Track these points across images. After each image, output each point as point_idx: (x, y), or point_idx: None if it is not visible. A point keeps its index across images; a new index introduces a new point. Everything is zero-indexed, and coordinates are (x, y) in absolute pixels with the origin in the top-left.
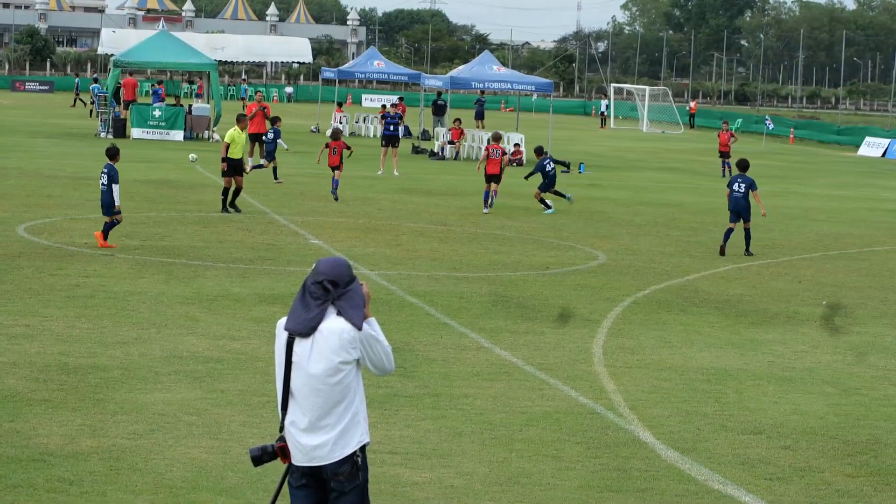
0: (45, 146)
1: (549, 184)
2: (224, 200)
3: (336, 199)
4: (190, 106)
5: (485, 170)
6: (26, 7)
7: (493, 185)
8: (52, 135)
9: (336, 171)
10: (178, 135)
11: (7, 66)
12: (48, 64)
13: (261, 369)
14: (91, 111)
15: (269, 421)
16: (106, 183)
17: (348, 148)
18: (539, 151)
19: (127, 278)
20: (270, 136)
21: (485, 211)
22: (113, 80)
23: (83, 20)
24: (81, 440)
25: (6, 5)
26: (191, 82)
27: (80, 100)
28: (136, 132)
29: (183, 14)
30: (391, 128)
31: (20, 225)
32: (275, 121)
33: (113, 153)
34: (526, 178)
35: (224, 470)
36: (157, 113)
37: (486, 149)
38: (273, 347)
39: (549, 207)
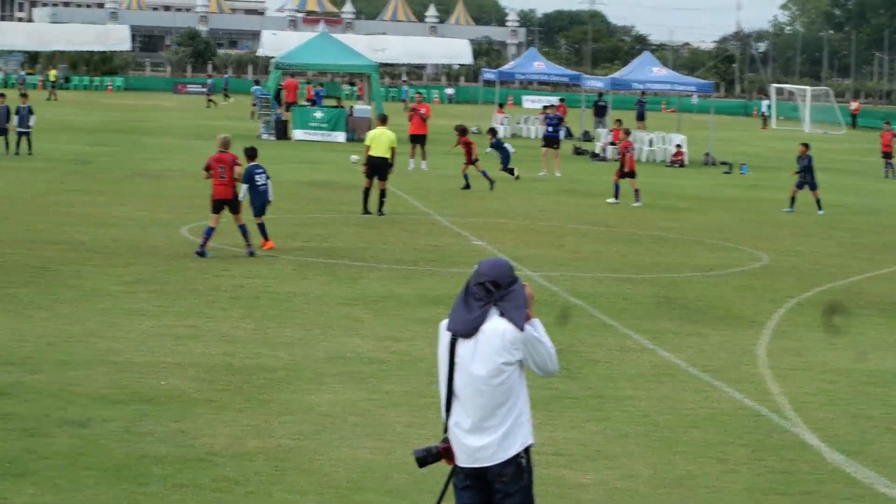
0: (206, 148)
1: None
2: (365, 201)
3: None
4: (351, 107)
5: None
6: (187, 10)
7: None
8: (213, 137)
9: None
10: (339, 136)
11: (169, 69)
12: (209, 66)
13: (425, 370)
14: (252, 113)
15: (433, 422)
16: (264, 182)
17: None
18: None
19: (291, 279)
20: None
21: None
22: (274, 82)
23: (243, 22)
24: (247, 440)
25: (167, 8)
26: (351, 84)
27: (212, 101)
28: (297, 134)
29: (343, 16)
30: (551, 129)
31: (183, 226)
32: None
33: (254, 153)
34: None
35: (389, 471)
36: (318, 114)
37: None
38: (436, 349)
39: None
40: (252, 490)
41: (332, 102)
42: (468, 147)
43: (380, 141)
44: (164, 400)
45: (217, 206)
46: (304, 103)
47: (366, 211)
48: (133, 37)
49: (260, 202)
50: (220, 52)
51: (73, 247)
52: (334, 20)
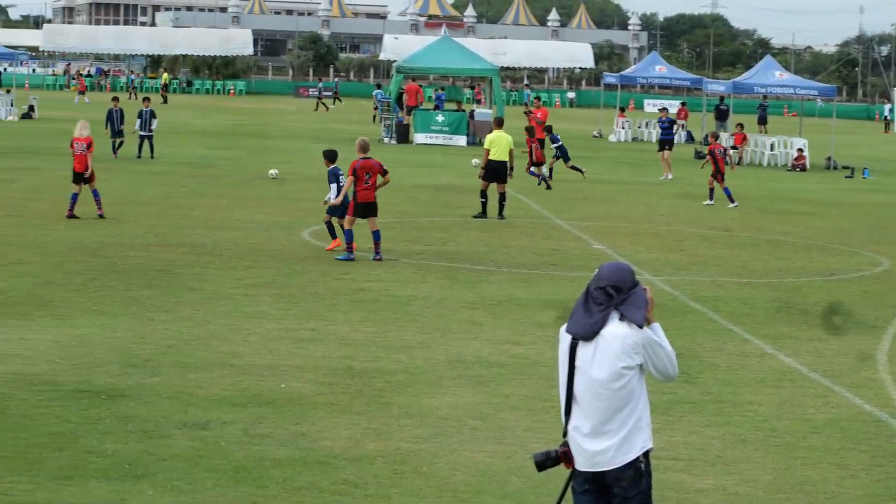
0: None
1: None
2: (483, 204)
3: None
4: (472, 111)
5: None
6: (309, 14)
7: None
8: (334, 140)
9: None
10: (461, 140)
11: (291, 73)
12: (331, 70)
13: (544, 374)
14: (374, 117)
15: (552, 426)
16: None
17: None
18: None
19: (411, 283)
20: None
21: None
22: (396, 86)
23: (365, 26)
24: (366, 443)
25: (289, 12)
26: (472, 88)
27: (323, 104)
28: (419, 137)
29: (465, 20)
30: (664, 132)
31: (305, 230)
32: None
33: (335, 156)
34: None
35: (508, 474)
36: (439, 118)
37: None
38: (556, 352)
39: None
40: (371, 493)
41: (453, 106)
42: (532, 147)
43: (499, 144)
44: (284, 403)
45: (358, 211)
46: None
47: (483, 214)
48: (255, 41)
49: (345, 204)
50: (342, 55)
51: (194, 250)
52: (456, 24)
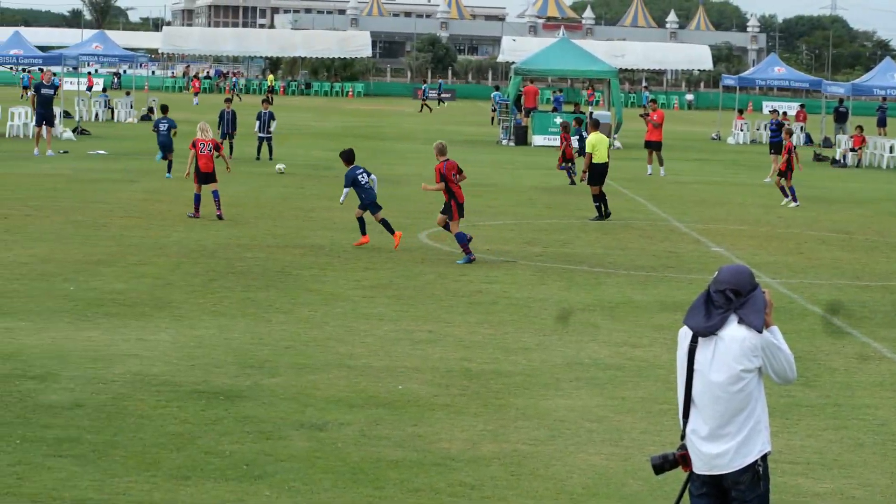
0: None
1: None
2: (598, 208)
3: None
4: (591, 113)
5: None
6: (427, 16)
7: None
8: (453, 141)
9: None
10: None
11: (409, 75)
12: (449, 72)
13: (662, 377)
14: (492, 119)
15: (669, 429)
16: (366, 181)
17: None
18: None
19: (529, 285)
20: None
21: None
22: (514, 87)
23: (483, 28)
24: (483, 445)
25: (408, 14)
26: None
27: (427, 106)
28: (537, 139)
29: (583, 21)
30: (773, 134)
31: (422, 232)
32: None
33: (352, 157)
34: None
35: (625, 477)
36: (558, 120)
37: None
38: (674, 355)
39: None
40: (487, 495)
41: (571, 108)
42: (566, 144)
43: (601, 146)
44: (401, 404)
45: (462, 211)
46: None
47: (606, 214)
48: (374, 43)
49: (370, 199)
50: (460, 57)
51: (312, 251)
52: (574, 26)
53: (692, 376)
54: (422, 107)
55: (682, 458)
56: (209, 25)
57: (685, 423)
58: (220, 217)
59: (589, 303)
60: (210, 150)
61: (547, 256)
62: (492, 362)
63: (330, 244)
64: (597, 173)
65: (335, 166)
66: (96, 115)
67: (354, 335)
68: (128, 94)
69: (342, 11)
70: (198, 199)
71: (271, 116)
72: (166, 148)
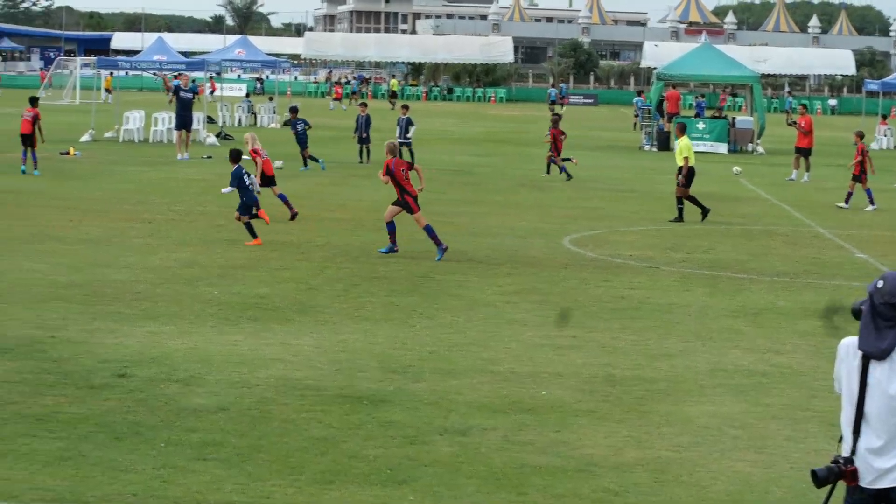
0: (588, 158)
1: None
2: (703, 211)
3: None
4: (733, 119)
5: None
6: (569, 21)
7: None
8: (595, 147)
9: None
10: (721, 147)
11: (551, 80)
12: (591, 77)
13: (805, 384)
14: (634, 124)
15: (813, 435)
16: (251, 182)
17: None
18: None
19: (672, 290)
20: None
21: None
22: (656, 93)
23: (625, 33)
24: (627, 451)
25: (549, 20)
26: (734, 95)
27: (555, 111)
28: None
29: (725, 26)
30: None
31: (565, 237)
32: None
33: (238, 157)
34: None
35: (768, 484)
36: (700, 125)
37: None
38: (818, 362)
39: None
40: (631, 501)
41: (713, 113)
42: (555, 138)
43: (691, 151)
44: (545, 410)
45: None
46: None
47: (705, 211)
48: (515, 48)
49: (251, 201)
50: (602, 63)
51: (455, 256)
52: (716, 31)
53: (865, 392)
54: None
55: (851, 474)
56: (351, 31)
57: (855, 439)
58: (294, 215)
59: (732, 309)
60: (265, 157)
61: (690, 262)
62: (635, 368)
63: (473, 249)
64: (691, 176)
65: (477, 171)
66: (239, 120)
67: (497, 340)
68: (270, 99)
69: (484, 17)
70: (282, 198)
71: (409, 122)
72: (303, 145)
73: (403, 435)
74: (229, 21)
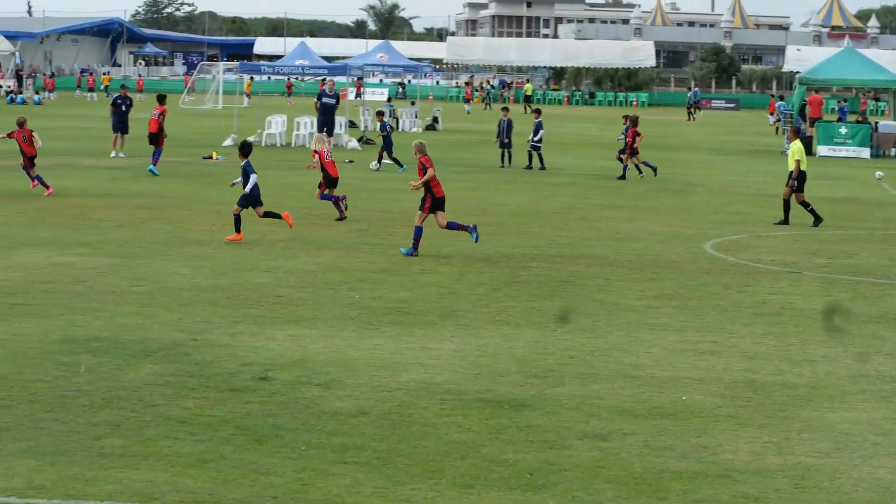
0: (729, 163)
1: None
2: (813, 210)
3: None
4: (876, 123)
5: None
6: (711, 25)
7: None
8: (736, 152)
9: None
10: (864, 152)
11: (693, 84)
12: (733, 81)
13: None
14: (777, 128)
15: None
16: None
17: None
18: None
19: (814, 296)
20: None
21: None
22: (798, 97)
23: (768, 38)
24: (767, 457)
25: (691, 24)
26: (876, 99)
27: (693, 115)
28: (822, 150)
29: (867, 30)
30: None
31: (706, 242)
32: None
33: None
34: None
35: None
36: (843, 130)
37: None
38: None
39: None
40: None
41: (856, 118)
42: (634, 138)
43: (804, 153)
44: (685, 415)
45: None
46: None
47: (817, 218)
48: (657, 52)
49: (255, 194)
50: (744, 67)
51: (595, 261)
52: (859, 35)
53: None
54: (689, 115)
55: None
56: (493, 35)
57: None
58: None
59: (874, 315)
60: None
61: (832, 267)
62: (776, 374)
63: (614, 254)
64: (803, 180)
65: (617, 174)
66: None
67: (638, 345)
68: (412, 103)
69: (626, 21)
70: (328, 197)
71: (539, 126)
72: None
73: (543, 439)
74: (371, 26)
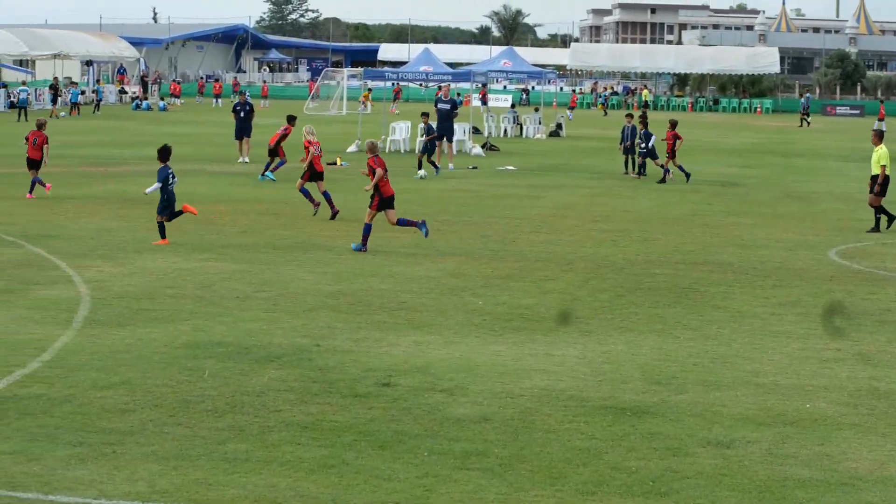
0: (855, 170)
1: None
2: (890, 218)
3: None
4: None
5: None
6: (836, 32)
7: None
8: (860, 159)
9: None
10: None
11: (818, 91)
12: (858, 88)
13: None
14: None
15: None
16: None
17: None
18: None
19: None
20: None
21: None
22: None
23: (893, 44)
24: (891, 465)
25: (816, 30)
26: None
27: (806, 120)
28: None
29: None
30: None
31: (831, 249)
32: None
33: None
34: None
35: None
36: None
37: None
38: None
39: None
40: None
41: None
42: (675, 141)
43: (880, 160)
44: (809, 423)
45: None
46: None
47: (882, 224)
48: (782, 59)
49: (170, 202)
50: (869, 73)
51: (720, 268)
52: None
53: None
54: (801, 121)
55: None
56: (617, 41)
57: None
58: (335, 214)
59: None
60: (320, 151)
61: None
62: None
63: (738, 261)
64: (885, 185)
65: (743, 182)
66: (505, 130)
67: (762, 352)
68: (536, 110)
69: (750, 27)
70: (306, 192)
71: (634, 131)
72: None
73: (666, 447)
74: (495, 32)
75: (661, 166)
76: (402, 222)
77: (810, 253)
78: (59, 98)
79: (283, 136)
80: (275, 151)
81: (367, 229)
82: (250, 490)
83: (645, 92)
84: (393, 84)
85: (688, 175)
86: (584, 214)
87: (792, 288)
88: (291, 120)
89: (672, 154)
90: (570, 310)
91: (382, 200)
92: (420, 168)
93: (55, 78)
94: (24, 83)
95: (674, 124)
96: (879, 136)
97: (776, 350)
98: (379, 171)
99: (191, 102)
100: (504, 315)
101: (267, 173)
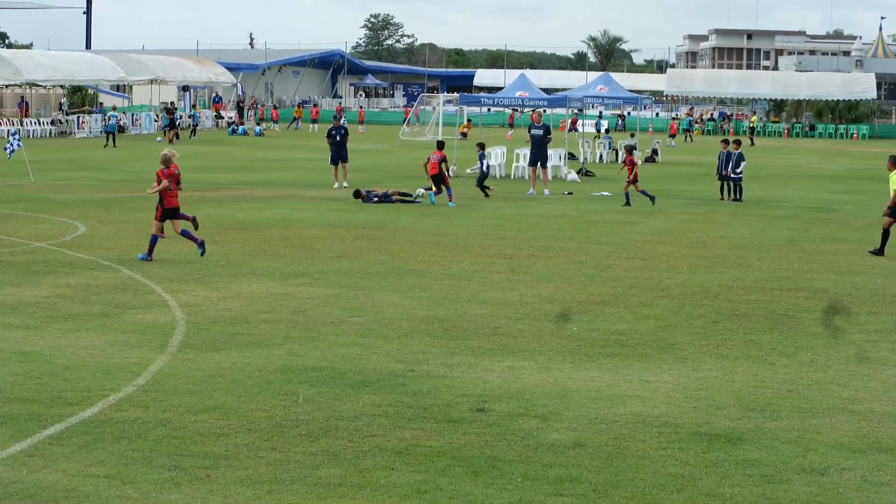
0: None
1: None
2: (882, 246)
3: None
4: None
5: None
6: None
7: None
8: None
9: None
10: None
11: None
12: None
13: None
14: None
15: None
16: None
17: None
18: None
19: None
20: None
21: None
22: None
23: None
24: None
25: None
26: None
27: None
28: None
29: None
30: None
31: None
32: None
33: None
34: None
35: None
36: None
37: None
38: None
39: None
40: None
41: None
42: (632, 167)
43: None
44: None
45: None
46: None
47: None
48: (879, 84)
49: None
50: None
51: (816, 294)
52: None
53: None
54: None
55: None
56: (713, 67)
57: None
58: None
59: None
60: (178, 187)
61: None
62: None
63: (834, 287)
64: None
65: (840, 209)
66: (600, 156)
67: (858, 379)
68: (632, 135)
69: (846, 53)
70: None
71: (741, 157)
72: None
73: (760, 474)
74: (591, 58)
75: (625, 192)
76: (184, 234)
77: None
78: (177, 123)
79: (443, 162)
80: (440, 178)
81: (153, 240)
82: None
83: (754, 118)
84: (507, 110)
85: (652, 198)
86: (679, 240)
87: (889, 315)
88: (441, 146)
89: (633, 179)
90: (570, 310)
91: (165, 212)
92: (486, 195)
93: (171, 103)
94: (114, 108)
95: (630, 150)
96: (894, 162)
97: (872, 377)
98: (164, 182)
99: (284, 127)
100: (599, 341)
101: (450, 203)
